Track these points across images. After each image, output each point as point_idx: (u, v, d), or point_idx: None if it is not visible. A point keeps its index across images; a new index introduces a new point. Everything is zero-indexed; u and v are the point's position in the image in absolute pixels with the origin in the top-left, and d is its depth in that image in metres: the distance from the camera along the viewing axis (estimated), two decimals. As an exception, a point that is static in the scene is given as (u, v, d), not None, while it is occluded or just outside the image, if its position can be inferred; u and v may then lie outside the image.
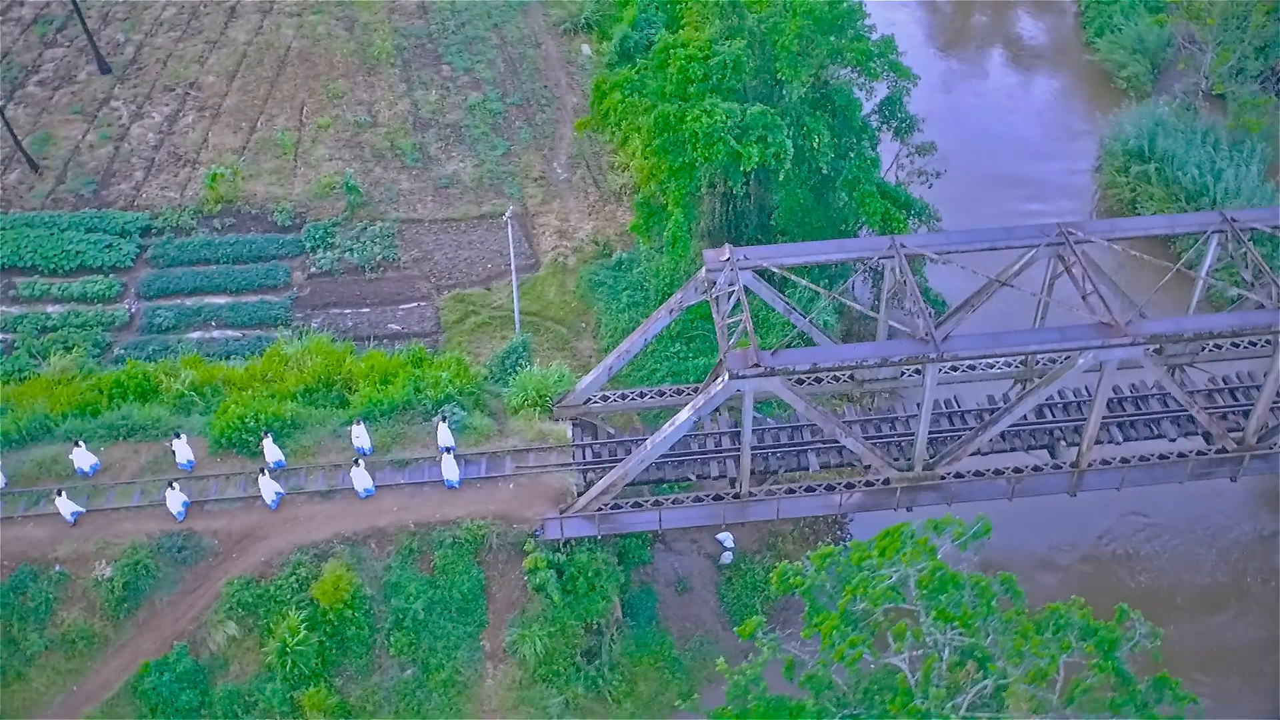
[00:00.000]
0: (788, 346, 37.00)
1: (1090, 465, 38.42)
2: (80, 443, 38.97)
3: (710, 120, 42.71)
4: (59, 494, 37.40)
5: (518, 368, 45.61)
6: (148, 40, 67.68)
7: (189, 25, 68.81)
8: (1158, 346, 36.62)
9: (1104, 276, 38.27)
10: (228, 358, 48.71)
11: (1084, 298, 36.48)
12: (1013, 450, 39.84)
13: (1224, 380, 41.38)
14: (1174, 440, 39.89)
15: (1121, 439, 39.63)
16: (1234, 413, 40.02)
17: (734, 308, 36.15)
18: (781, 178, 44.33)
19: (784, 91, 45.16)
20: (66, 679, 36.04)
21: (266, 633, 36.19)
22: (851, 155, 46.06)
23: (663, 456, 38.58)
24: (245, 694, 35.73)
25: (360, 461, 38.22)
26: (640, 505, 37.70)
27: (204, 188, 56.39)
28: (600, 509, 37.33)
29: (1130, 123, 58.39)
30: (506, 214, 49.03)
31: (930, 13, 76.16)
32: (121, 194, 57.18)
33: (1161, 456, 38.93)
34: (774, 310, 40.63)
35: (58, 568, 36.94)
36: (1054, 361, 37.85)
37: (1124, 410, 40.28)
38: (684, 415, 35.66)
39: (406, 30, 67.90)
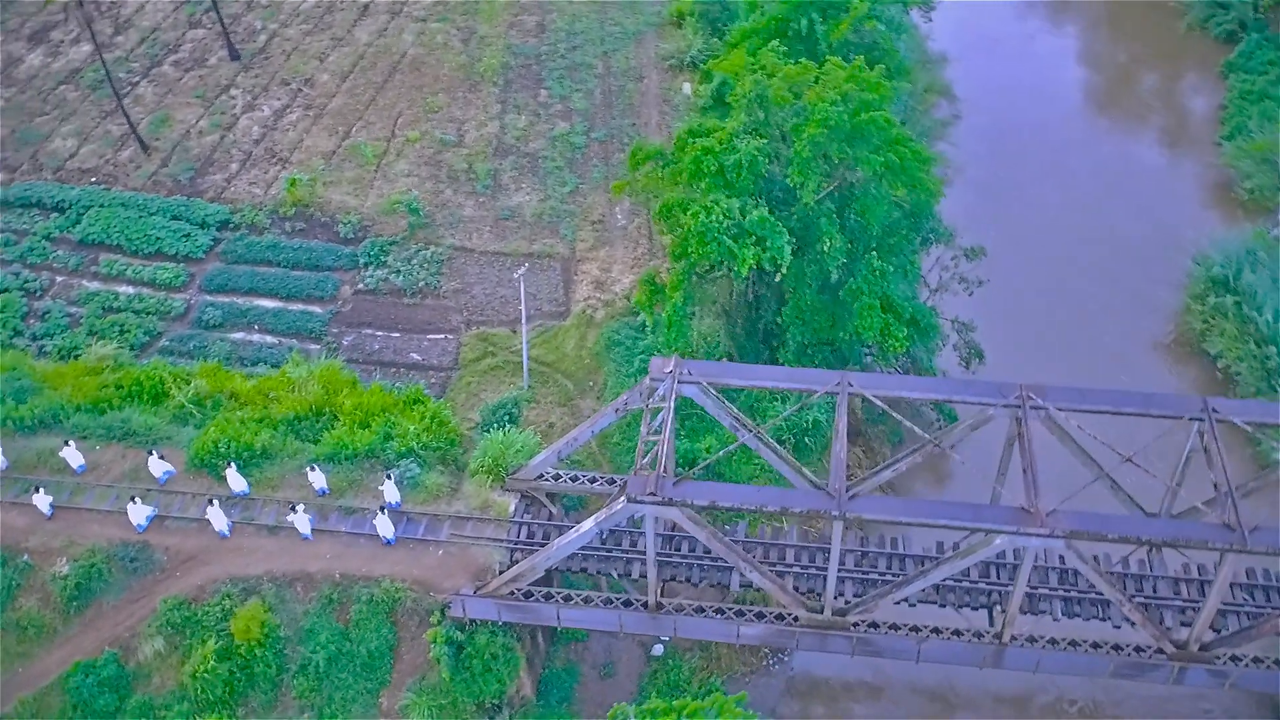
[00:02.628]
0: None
1: (1014, 639, 36.92)
2: (70, 442, 42.43)
3: (707, 218, 42.48)
4: (37, 490, 40.89)
5: (506, 422, 46.79)
6: (280, 31, 71.38)
7: (321, 20, 72.17)
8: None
9: (1072, 442, 36.64)
10: (257, 364, 51.68)
11: (1024, 470, 34.97)
12: (944, 606, 38.58)
13: (1197, 570, 38.90)
14: (1118, 627, 37.84)
15: (1061, 615, 37.84)
16: (1192, 608, 37.62)
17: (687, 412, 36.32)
18: (779, 279, 43.71)
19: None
20: (14, 660, 39.61)
21: (188, 654, 38.83)
22: (862, 263, 44.88)
23: (591, 549, 39.24)
24: (157, 707, 38.53)
25: (385, 509, 39.88)
26: (550, 597, 38.43)
27: (284, 189, 59.48)
28: (512, 593, 38.29)
29: (1220, 246, 54.54)
30: (519, 272, 49.94)
31: (1088, 67, 72.81)
32: (213, 184, 60.89)
33: (1094, 645, 36.99)
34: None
35: (25, 557, 40.50)
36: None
37: (1073, 584, 38.39)
38: (588, 525, 36.17)
39: (518, 48, 69.34)
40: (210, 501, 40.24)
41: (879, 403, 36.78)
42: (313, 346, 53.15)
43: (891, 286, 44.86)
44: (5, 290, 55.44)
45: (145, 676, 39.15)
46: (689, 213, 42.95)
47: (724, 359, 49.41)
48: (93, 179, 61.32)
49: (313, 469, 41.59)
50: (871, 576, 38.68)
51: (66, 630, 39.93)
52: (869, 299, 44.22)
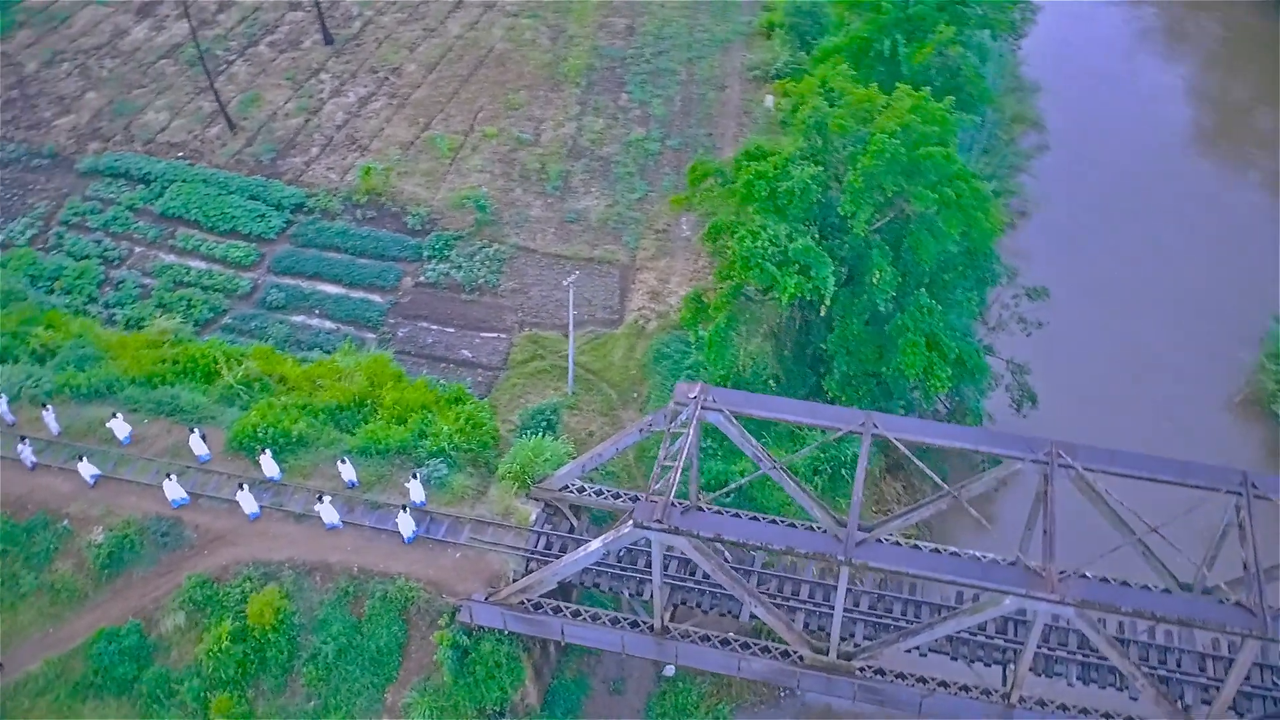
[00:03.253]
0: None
1: (1023, 701, 35.95)
2: (118, 414, 43.85)
3: (753, 243, 42.10)
4: (81, 459, 42.34)
5: (543, 428, 47.03)
6: (375, 18, 72.57)
7: (416, 10, 73.18)
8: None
9: (1102, 504, 35.50)
10: (313, 349, 52.70)
11: (1044, 531, 33.99)
12: (955, 659, 37.71)
13: (1227, 647, 37.35)
14: (1134, 699, 36.59)
15: (1075, 680, 36.72)
16: (1215, 687, 36.16)
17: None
18: (823, 313, 43.13)
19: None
20: (46, 621, 41.13)
21: (206, 631, 39.89)
22: (912, 298, 44.03)
23: (605, 566, 39.28)
24: (172, 681, 39.61)
25: (406, 508, 40.57)
26: (559, 611, 38.55)
27: (359, 177, 60.50)
28: (521, 603, 38.51)
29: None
30: (568, 280, 50.00)
31: (1194, 105, 70.50)
32: (293, 167, 62.21)
33: (1106, 715, 35.82)
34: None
35: (65, 523, 42.02)
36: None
37: (1091, 649, 37.17)
38: (595, 545, 36.19)
39: (605, 50, 69.42)
40: (240, 486, 41.20)
41: (902, 448, 36.00)
42: (369, 335, 54.02)
43: (940, 324, 43.85)
44: (85, 257, 57.41)
45: (165, 649, 40.29)
46: (736, 236, 42.56)
47: (770, 381, 49.08)
48: (179, 154, 63.12)
49: (343, 461, 42.35)
50: (885, 621, 37.99)
51: (97, 596, 41.32)
52: (913, 336, 43.38)
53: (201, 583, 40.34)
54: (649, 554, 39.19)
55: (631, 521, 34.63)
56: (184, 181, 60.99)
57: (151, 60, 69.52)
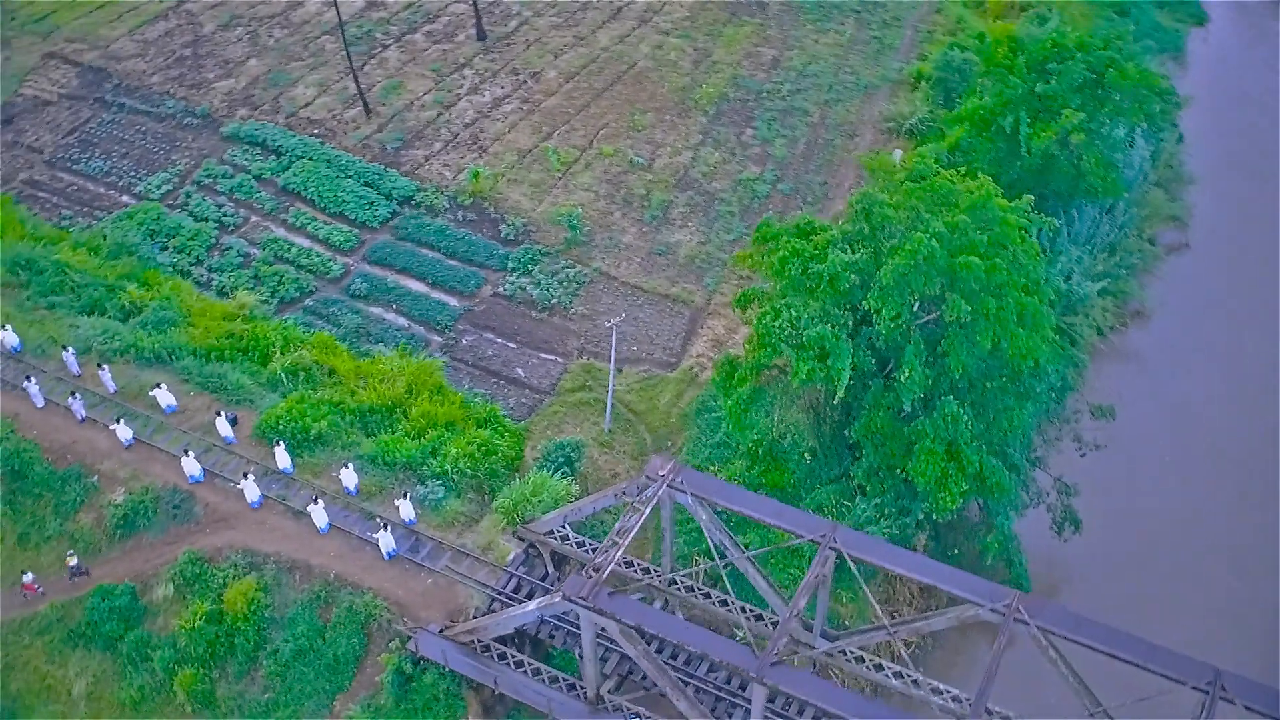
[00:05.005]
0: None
1: None
2: (162, 385, 46.48)
3: (773, 320, 40.97)
4: (118, 421, 45.15)
5: (562, 463, 47.20)
6: (532, 20, 73.68)
7: (573, 16, 73.89)
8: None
9: (1057, 668, 33.19)
10: (378, 343, 54.32)
11: (981, 688, 32.05)
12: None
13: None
14: None
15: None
16: None
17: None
18: (835, 400, 41.62)
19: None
20: (61, 568, 44.14)
21: (187, 607, 42.01)
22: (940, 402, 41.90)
23: (562, 621, 39.31)
24: (150, 646, 41.85)
25: (387, 527, 41.70)
26: (503, 658, 38.79)
27: (468, 178, 61.81)
28: (471, 643, 38.97)
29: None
30: (611, 321, 49.75)
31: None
32: (413, 159, 64.08)
33: None
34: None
35: (95, 478, 44.97)
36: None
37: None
38: (531, 606, 36.23)
39: (743, 80, 68.46)
40: (245, 474, 43.10)
41: (853, 567, 34.53)
42: (435, 338, 55.29)
43: (965, 434, 41.57)
44: (205, 220, 60.83)
45: (152, 615, 42.63)
46: (760, 311, 41.48)
47: (806, 455, 47.75)
48: (315, 131, 65.92)
49: (346, 466, 43.69)
50: (816, 734, 36.61)
51: (108, 553, 44.09)
52: (931, 443, 41.30)
53: (195, 559, 42.46)
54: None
55: (560, 593, 34.47)
56: (310, 159, 63.67)
57: (315, 35, 72.71)
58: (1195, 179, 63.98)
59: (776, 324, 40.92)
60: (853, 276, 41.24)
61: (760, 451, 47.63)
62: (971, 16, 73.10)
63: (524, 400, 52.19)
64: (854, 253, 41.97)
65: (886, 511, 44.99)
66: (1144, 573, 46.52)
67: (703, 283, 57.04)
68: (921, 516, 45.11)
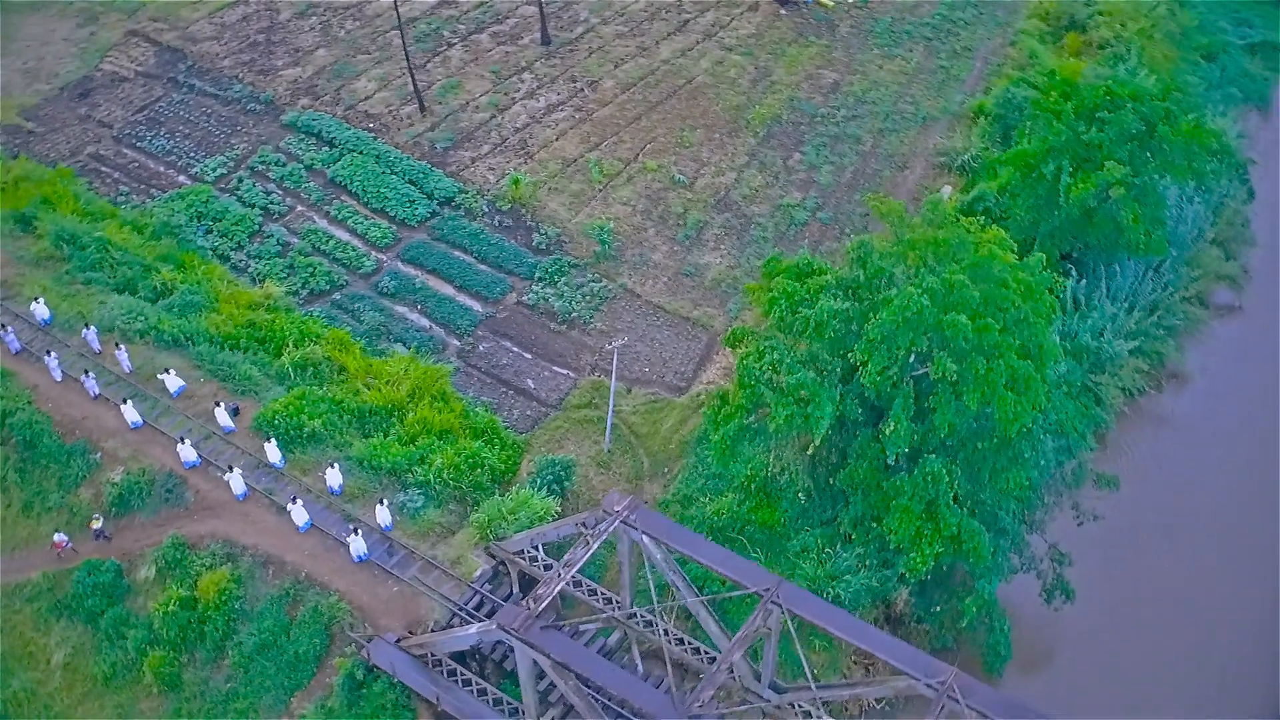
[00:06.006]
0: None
1: None
2: (170, 370, 47.80)
3: (756, 361, 40.43)
4: (125, 402, 46.57)
5: (551, 481, 47.29)
6: (598, 27, 73.68)
7: (639, 26, 73.67)
8: None
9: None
10: (396, 343, 55.01)
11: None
12: None
13: None
14: None
15: None
16: None
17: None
18: (810, 452, 40.95)
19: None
20: (85, 532, 45.47)
21: (165, 590, 43.19)
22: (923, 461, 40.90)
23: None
24: (127, 624, 43.08)
25: (358, 531, 42.39)
26: (453, 675, 39.09)
27: (509, 184, 62.18)
28: (422, 656, 39.36)
29: None
30: (614, 343, 49.58)
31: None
32: (459, 160, 64.68)
33: None
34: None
35: (98, 455, 46.49)
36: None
37: None
38: (471, 630, 36.43)
39: (799, 103, 67.55)
40: (230, 467, 44.11)
41: (790, 625, 33.94)
42: (454, 342, 55.79)
43: (946, 493, 40.52)
44: (251, 205, 62.27)
45: (134, 594, 43.93)
46: (744, 351, 40.98)
47: (800, 495, 47.13)
48: (370, 125, 66.96)
49: (332, 466, 44.44)
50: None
51: (104, 529, 45.52)
52: (909, 500, 40.36)
53: (178, 544, 43.63)
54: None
55: (497, 622, 34.60)
56: (360, 153, 64.70)
57: (385, 29, 73.69)
58: (1259, 240, 61.13)
59: (758, 366, 40.35)
60: (839, 325, 40.45)
61: (753, 487, 47.17)
62: (1046, 52, 70.92)
63: (529, 413, 52.37)
64: (848, 300, 41.14)
65: (868, 563, 44.22)
66: (1140, 643, 44.87)
67: (725, 308, 56.49)
68: (907, 569, 44.12)
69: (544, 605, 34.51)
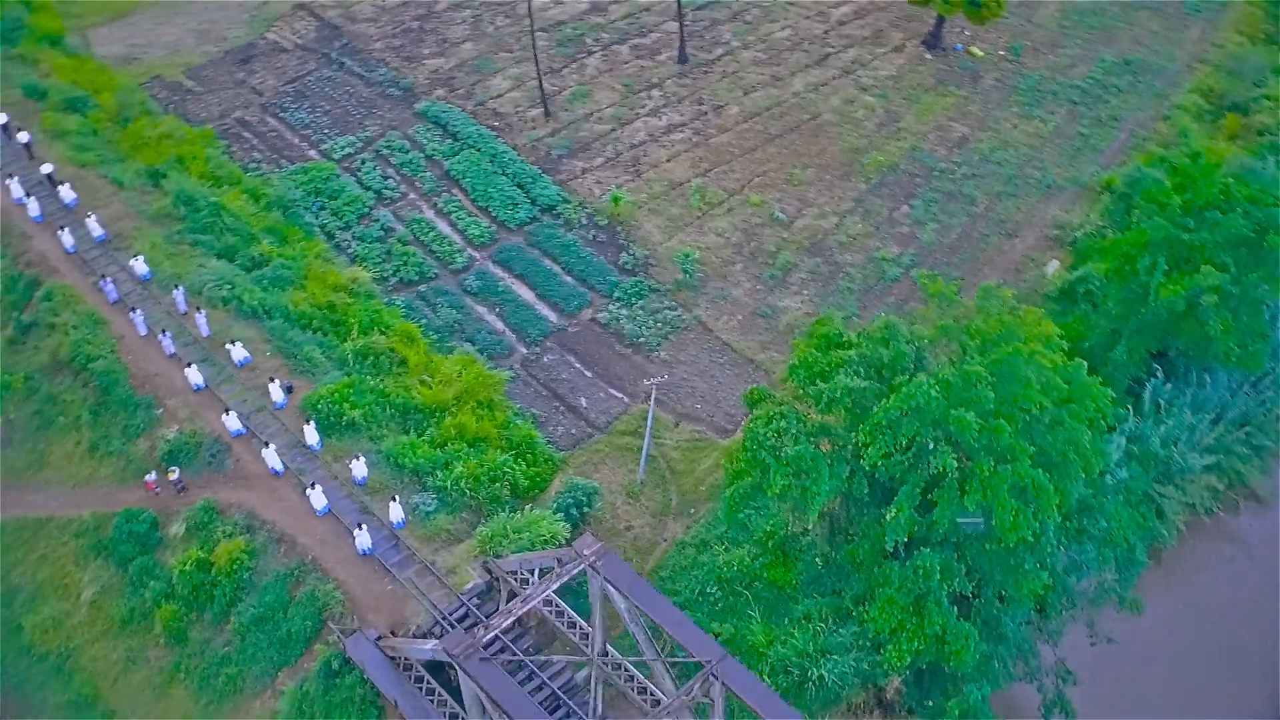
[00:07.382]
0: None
1: None
2: (237, 342, 50.47)
3: (763, 427, 40.04)
4: (189, 366, 49.49)
5: (571, 506, 47.94)
6: (737, 51, 73.55)
7: (778, 55, 73.17)
8: None
9: None
10: (465, 342, 56.50)
11: None
12: None
13: None
14: None
15: None
16: None
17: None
18: (809, 528, 40.31)
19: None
20: (115, 480, 48.93)
21: (187, 550, 45.83)
22: (918, 552, 39.77)
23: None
24: (150, 575, 45.94)
25: (363, 526, 44.07)
26: (420, 680, 40.24)
27: (609, 201, 62.90)
28: (394, 658, 40.68)
29: None
30: (652, 381, 49.62)
31: None
32: (570, 169, 65.77)
33: None
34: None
35: (160, 411, 49.59)
36: None
37: None
38: (430, 645, 37.44)
39: (920, 154, 65.96)
40: (265, 444, 46.38)
41: (720, 702, 33.70)
42: (522, 349, 56.95)
43: (941, 590, 39.29)
44: (368, 188, 64.88)
45: (164, 548, 46.75)
46: (754, 415, 40.63)
47: (818, 559, 46.51)
48: (494, 123, 68.73)
49: (358, 458, 46.16)
50: None
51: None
52: (895, 591, 39.32)
53: (209, 508, 46.19)
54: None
55: (443, 646, 35.53)
56: (477, 150, 66.54)
57: (530, 32, 75.26)
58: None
59: (765, 431, 39.92)
60: (854, 402, 39.62)
61: (771, 544, 46.71)
62: (1200, 131, 66.96)
63: (574, 431, 53.06)
64: (868, 378, 40.26)
65: (862, 643, 43.24)
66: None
67: (790, 353, 55.72)
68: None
69: (490, 635, 35.20)
